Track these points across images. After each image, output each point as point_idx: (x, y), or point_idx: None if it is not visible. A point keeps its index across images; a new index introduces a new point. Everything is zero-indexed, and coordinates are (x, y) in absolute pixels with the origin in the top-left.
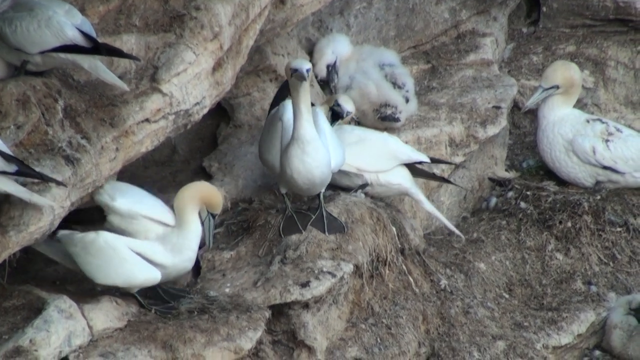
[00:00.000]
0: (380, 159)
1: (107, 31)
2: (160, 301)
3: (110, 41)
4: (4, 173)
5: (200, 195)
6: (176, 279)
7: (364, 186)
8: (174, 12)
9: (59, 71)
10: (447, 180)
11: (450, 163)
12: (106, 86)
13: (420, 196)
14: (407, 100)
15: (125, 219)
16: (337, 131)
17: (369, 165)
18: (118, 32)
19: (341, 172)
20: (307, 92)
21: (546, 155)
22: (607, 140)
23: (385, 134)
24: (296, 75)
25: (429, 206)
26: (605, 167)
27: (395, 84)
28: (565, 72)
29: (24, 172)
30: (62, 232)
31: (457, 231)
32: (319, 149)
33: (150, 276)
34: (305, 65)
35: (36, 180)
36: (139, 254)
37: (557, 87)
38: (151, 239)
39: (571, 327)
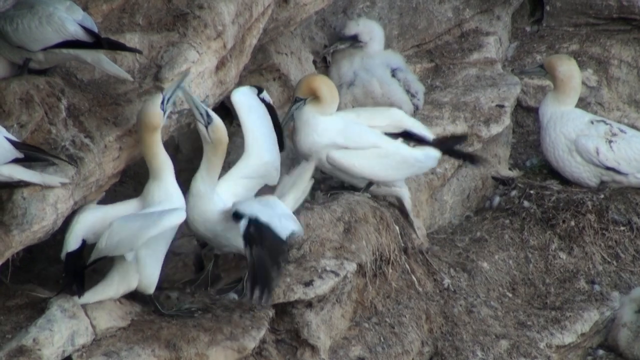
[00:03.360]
0: (391, 170)
1: (110, 30)
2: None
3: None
4: (16, 160)
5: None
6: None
7: (369, 185)
8: (178, 11)
9: (62, 70)
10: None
11: (457, 138)
12: (110, 85)
13: (408, 202)
14: (417, 108)
15: None
16: (352, 132)
17: (378, 175)
18: (121, 31)
19: (346, 173)
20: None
21: (549, 154)
22: (610, 141)
23: (396, 116)
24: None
25: (410, 213)
26: (608, 168)
27: (409, 92)
28: (554, 60)
29: (33, 157)
30: None
31: (422, 239)
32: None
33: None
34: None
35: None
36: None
37: (543, 69)
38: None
39: (575, 326)
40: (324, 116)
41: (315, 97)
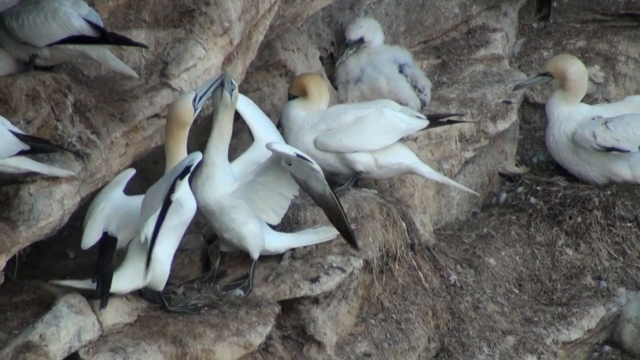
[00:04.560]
0: (380, 135)
1: (116, 26)
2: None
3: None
4: (22, 152)
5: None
6: None
7: (356, 176)
8: (184, 8)
9: (68, 66)
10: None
11: (453, 115)
12: (116, 81)
13: (425, 168)
14: (424, 104)
15: None
16: (330, 114)
17: (369, 144)
18: (128, 27)
19: (338, 155)
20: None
21: (554, 154)
22: (606, 123)
23: (381, 104)
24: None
25: (437, 176)
26: (609, 150)
27: (416, 87)
28: (561, 63)
29: (39, 148)
30: None
31: (470, 190)
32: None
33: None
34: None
35: (47, 177)
36: None
37: (549, 75)
38: None
39: (581, 322)
40: (307, 111)
41: (305, 94)
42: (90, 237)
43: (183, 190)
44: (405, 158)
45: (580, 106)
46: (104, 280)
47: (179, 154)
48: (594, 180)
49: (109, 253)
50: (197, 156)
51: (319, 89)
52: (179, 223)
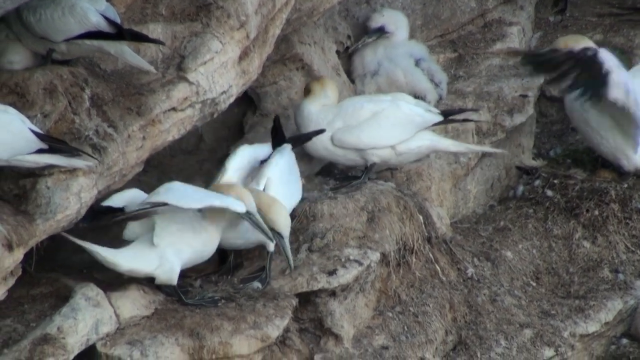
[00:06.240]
0: (397, 129)
1: (133, 20)
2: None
3: (136, 30)
4: (40, 151)
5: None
6: None
7: (370, 168)
8: (200, 1)
9: (85, 60)
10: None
11: (467, 110)
12: (133, 75)
13: (446, 142)
14: (440, 98)
15: None
16: (346, 109)
17: (386, 140)
18: (144, 21)
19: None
20: None
21: (595, 144)
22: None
23: (397, 97)
24: None
25: (462, 146)
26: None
27: (433, 81)
28: (571, 42)
29: (57, 149)
30: None
31: (497, 150)
32: None
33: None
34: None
35: (64, 171)
36: None
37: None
38: None
39: (598, 315)
40: (320, 107)
41: (309, 92)
42: (111, 201)
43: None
44: (424, 139)
45: None
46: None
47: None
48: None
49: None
50: (241, 208)
51: (319, 81)
52: (194, 244)
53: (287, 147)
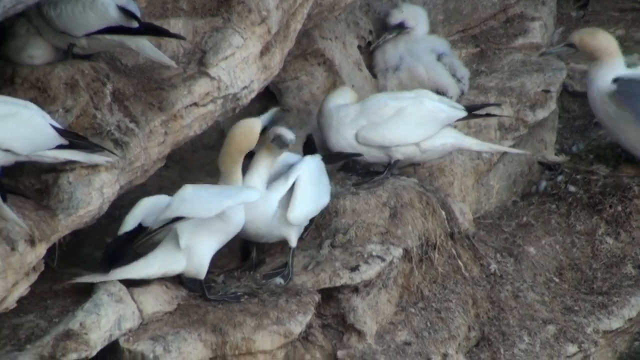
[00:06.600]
0: (421, 126)
1: (154, 15)
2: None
3: (157, 25)
4: (60, 146)
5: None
6: None
7: (393, 165)
8: None
9: (106, 55)
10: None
11: (490, 105)
12: (154, 70)
13: (470, 141)
14: (462, 93)
15: None
16: (370, 107)
17: (411, 137)
18: (165, 16)
19: (381, 148)
20: (273, 158)
21: (619, 138)
22: None
23: (420, 94)
24: (279, 141)
25: (485, 146)
26: None
27: (455, 76)
28: (586, 36)
29: (77, 144)
30: None
31: (520, 151)
32: (258, 205)
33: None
34: (290, 135)
35: (86, 166)
36: None
37: (574, 47)
38: None
39: (622, 311)
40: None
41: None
42: (126, 226)
43: (233, 209)
44: (448, 137)
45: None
46: (118, 252)
47: (235, 175)
48: None
49: (137, 237)
50: (255, 196)
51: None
52: (220, 229)
53: (318, 156)
